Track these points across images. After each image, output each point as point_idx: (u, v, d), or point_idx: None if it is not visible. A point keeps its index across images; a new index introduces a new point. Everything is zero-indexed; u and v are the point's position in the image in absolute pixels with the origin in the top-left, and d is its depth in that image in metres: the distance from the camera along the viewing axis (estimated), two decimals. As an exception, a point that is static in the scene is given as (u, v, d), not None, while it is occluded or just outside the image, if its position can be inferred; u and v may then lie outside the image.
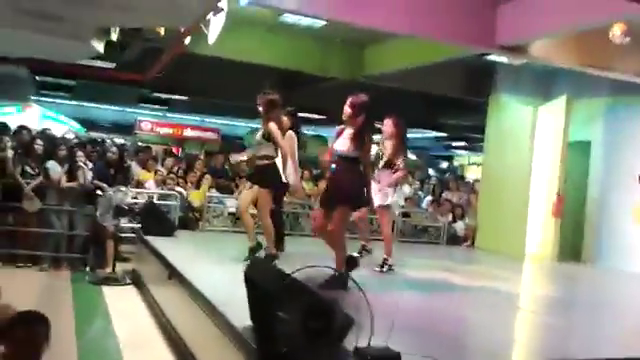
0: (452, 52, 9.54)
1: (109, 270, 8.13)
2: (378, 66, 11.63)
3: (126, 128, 21.42)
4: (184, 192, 9.83)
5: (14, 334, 3.02)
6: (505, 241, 10.15)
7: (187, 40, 9.25)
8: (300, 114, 11.19)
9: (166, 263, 6.17)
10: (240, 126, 21.29)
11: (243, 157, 7.24)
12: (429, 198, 12.51)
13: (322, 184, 9.83)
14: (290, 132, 6.82)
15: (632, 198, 9.71)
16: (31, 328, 3.06)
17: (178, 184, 10.05)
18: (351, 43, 11.71)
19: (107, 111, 21.23)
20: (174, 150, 17.46)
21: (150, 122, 21.15)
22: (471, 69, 11.80)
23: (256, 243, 6.50)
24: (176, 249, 6.96)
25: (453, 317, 5.09)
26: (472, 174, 19.73)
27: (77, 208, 8.77)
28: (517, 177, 10.39)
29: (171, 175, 10.21)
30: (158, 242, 7.35)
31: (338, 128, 5.50)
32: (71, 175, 8.75)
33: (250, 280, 3.73)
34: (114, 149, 9.76)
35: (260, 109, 6.46)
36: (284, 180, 6.52)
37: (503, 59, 10.30)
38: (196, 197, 9.84)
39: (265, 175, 6.32)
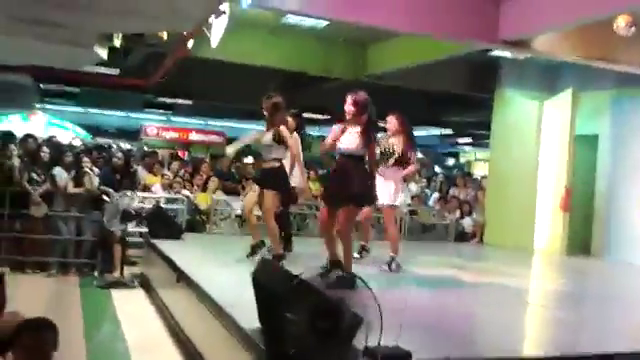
0: (455, 49, 9.52)
1: (117, 274, 8.14)
2: (381, 65, 11.62)
3: (132, 133, 21.51)
4: (191, 195, 9.84)
5: (22, 341, 3.02)
6: (513, 236, 10.11)
7: (190, 44, 9.26)
8: (304, 115, 11.25)
9: (174, 266, 6.17)
10: (245, 129, 21.30)
11: (238, 147, 7.18)
12: (436, 195, 12.47)
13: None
14: (295, 134, 6.84)
15: (640, 190, 9.66)
16: (39, 335, 3.06)
17: (185, 187, 10.07)
18: (354, 43, 11.70)
19: (112, 117, 21.33)
20: (180, 154, 17.50)
21: (156, 127, 21.24)
22: (475, 65, 11.77)
23: (260, 240, 6.54)
24: (184, 252, 6.97)
25: (463, 314, 5.06)
26: (479, 170, 19.69)
27: (84, 214, 8.79)
28: (524, 172, 10.35)
29: (177, 179, 10.22)
30: (166, 245, 7.35)
31: (338, 126, 5.46)
32: (77, 181, 8.78)
33: (257, 281, 3.72)
34: (120, 154, 9.78)
35: (265, 112, 6.45)
36: (292, 183, 6.58)
37: (507, 54, 10.28)
38: (203, 200, 9.85)
39: (273, 178, 6.31)
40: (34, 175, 8.65)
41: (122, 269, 8.20)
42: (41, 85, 15.44)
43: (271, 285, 3.51)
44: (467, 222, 11.23)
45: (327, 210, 5.51)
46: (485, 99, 11.89)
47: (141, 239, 8.60)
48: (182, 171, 10.83)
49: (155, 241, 7.73)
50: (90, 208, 8.81)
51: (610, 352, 3.82)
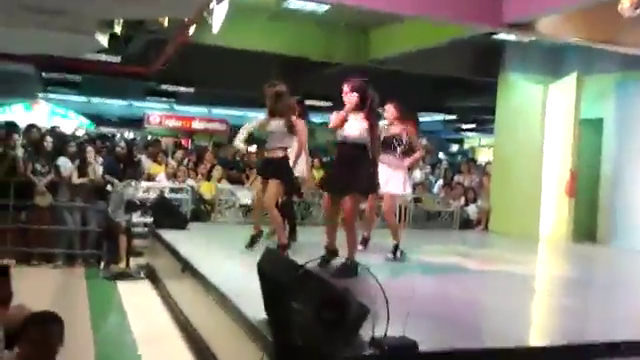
0: (458, 32, 9.43)
1: (123, 265, 8.15)
2: (384, 50, 11.53)
3: (135, 122, 21.47)
4: (195, 185, 9.82)
5: (28, 335, 3.03)
6: (519, 223, 10.08)
7: (191, 30, 9.19)
8: (307, 101, 11.21)
9: (179, 257, 6.17)
10: (248, 116, 21.24)
11: (244, 136, 7.12)
12: (440, 182, 12.42)
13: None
14: (302, 122, 6.84)
15: (646, 175, 9.61)
16: (45, 328, 3.07)
17: (189, 176, 10.05)
18: (355, 27, 11.61)
19: (115, 106, 21.28)
20: (183, 142, 17.48)
21: (158, 115, 21.18)
22: (478, 49, 11.67)
23: (259, 231, 6.54)
24: (189, 242, 6.97)
25: (469, 302, 5.05)
26: (484, 156, 19.62)
27: (89, 204, 8.79)
28: (529, 157, 10.30)
29: (181, 168, 10.20)
30: (171, 235, 7.36)
31: (341, 113, 5.41)
32: (82, 171, 8.77)
33: (263, 271, 3.71)
34: (122, 144, 9.77)
35: (267, 100, 6.41)
36: (296, 173, 6.63)
37: (511, 37, 10.19)
38: (207, 189, 9.84)
39: (277, 167, 6.30)
40: (38, 165, 8.65)
41: (128, 260, 8.22)
42: (43, 74, 15.40)
43: (276, 275, 3.50)
44: (472, 209, 11.18)
45: (330, 198, 5.50)
46: (489, 83, 11.80)
47: (146, 229, 8.60)
48: (186, 160, 10.82)
49: (160, 231, 7.73)
50: (95, 198, 8.82)
51: (617, 340, 3.81)
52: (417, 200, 10.98)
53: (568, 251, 9.37)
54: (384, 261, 6.45)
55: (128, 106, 21.09)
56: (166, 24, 9.11)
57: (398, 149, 6.70)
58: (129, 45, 11.76)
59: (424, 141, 13.99)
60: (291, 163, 6.52)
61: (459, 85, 14.74)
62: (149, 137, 17.56)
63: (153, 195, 9.06)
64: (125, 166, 9.18)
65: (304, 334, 3.03)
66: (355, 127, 5.35)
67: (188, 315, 5.52)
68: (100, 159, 9.28)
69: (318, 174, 10.24)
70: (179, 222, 8.17)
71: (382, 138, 6.33)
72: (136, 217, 8.58)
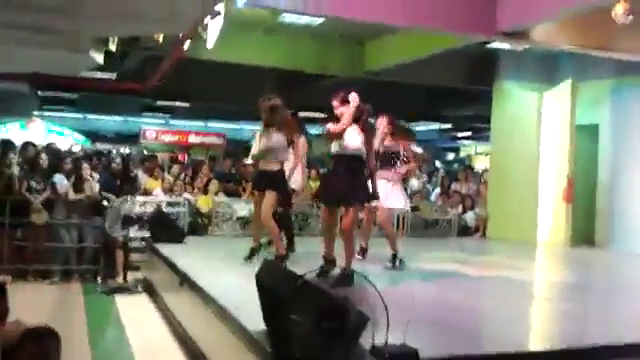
0: (453, 42, 9.49)
1: (120, 280, 8.12)
2: (379, 61, 11.58)
3: (131, 138, 21.49)
4: (192, 198, 9.81)
5: (25, 350, 3.00)
6: (517, 229, 10.08)
7: (186, 45, 9.23)
8: (303, 114, 11.23)
9: (177, 270, 6.14)
10: (245, 129, 21.29)
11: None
12: (438, 190, 12.43)
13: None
14: (303, 139, 7.03)
15: (643, 179, 9.63)
16: (42, 343, 3.04)
17: (185, 190, 10.04)
18: (350, 39, 11.67)
19: (111, 122, 21.32)
20: (180, 157, 17.47)
21: (155, 130, 21.21)
22: (473, 58, 11.73)
23: (258, 244, 6.55)
24: (186, 255, 6.94)
25: (468, 308, 5.04)
26: (480, 164, 19.65)
27: (86, 220, 8.76)
28: (525, 164, 10.32)
29: (178, 182, 10.19)
30: (168, 249, 7.33)
31: (341, 124, 5.43)
32: (77, 187, 8.75)
33: (261, 283, 3.70)
34: (118, 159, 9.75)
35: (262, 114, 6.43)
36: (291, 184, 6.76)
37: (505, 46, 10.23)
38: (204, 203, 9.82)
39: (273, 179, 6.33)
40: (33, 183, 8.61)
41: (125, 274, 8.19)
42: (39, 92, 15.43)
43: (275, 286, 3.49)
44: (470, 216, 11.19)
45: (328, 209, 5.54)
46: (484, 92, 11.85)
47: (143, 244, 8.57)
48: (182, 174, 10.80)
49: (157, 245, 7.71)
50: (91, 214, 8.79)
51: (618, 343, 3.80)
52: (415, 208, 10.97)
53: (566, 256, 9.37)
54: (383, 270, 6.44)
55: (124, 122, 21.13)
56: (161, 40, 9.15)
57: (398, 163, 6.74)
58: (124, 62, 11.79)
59: (420, 150, 14.00)
60: (287, 175, 6.56)
61: (454, 94, 14.79)
62: (145, 152, 17.55)
63: (150, 209, 9.03)
64: (121, 182, 9.16)
65: (303, 345, 3.02)
66: (353, 139, 5.40)
67: (187, 328, 5.49)
68: (96, 175, 9.26)
69: (314, 185, 10.24)
70: (176, 236, 8.13)
71: (380, 152, 6.40)
72: (133, 232, 8.56)
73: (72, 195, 8.69)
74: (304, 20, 10.18)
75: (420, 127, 20.47)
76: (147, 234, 8.43)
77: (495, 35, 8.24)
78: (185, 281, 5.67)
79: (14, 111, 17.59)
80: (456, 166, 18.94)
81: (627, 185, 9.82)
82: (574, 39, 8.31)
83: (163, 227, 8.24)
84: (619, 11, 6.89)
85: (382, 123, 6.81)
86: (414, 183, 11.83)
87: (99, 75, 11.97)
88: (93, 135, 21.26)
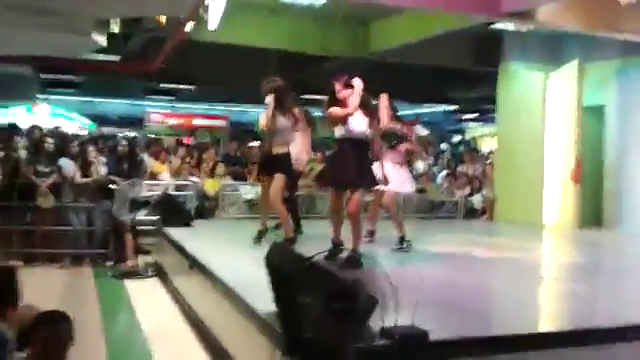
0: (457, 22, 9.41)
1: (131, 263, 8.16)
2: (383, 42, 11.49)
3: (136, 121, 21.47)
4: (198, 181, 9.83)
5: (38, 335, 3.03)
6: (524, 211, 10.08)
7: (188, 27, 9.17)
8: (307, 95, 11.21)
9: (186, 253, 6.18)
10: (249, 112, 21.25)
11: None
12: (444, 173, 12.41)
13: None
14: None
15: (650, 159, 9.59)
16: (54, 328, 3.07)
17: (192, 174, 10.06)
18: (354, 20, 11.58)
19: (116, 105, 21.29)
20: (185, 140, 17.47)
21: (159, 114, 21.18)
22: (478, 39, 11.63)
23: (265, 227, 6.58)
24: (195, 239, 6.98)
25: (476, 290, 5.06)
26: (486, 146, 19.59)
27: (94, 204, 8.79)
28: (532, 145, 10.29)
29: (184, 165, 10.22)
30: (176, 233, 7.37)
31: (342, 111, 5.42)
32: (84, 171, 8.78)
33: (271, 265, 3.72)
34: (124, 142, 9.76)
35: (267, 97, 6.41)
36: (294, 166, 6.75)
37: (510, 26, 10.15)
38: (210, 186, 9.85)
39: (282, 162, 6.35)
40: (40, 167, 8.64)
41: (135, 258, 8.23)
42: (41, 75, 15.38)
43: (284, 268, 3.50)
44: (476, 198, 11.17)
45: (335, 193, 5.57)
46: (489, 74, 11.77)
47: (153, 227, 8.60)
48: (188, 157, 10.82)
49: (166, 229, 7.75)
50: (100, 198, 8.81)
51: (627, 324, 3.81)
52: (421, 191, 10.97)
53: (574, 237, 9.37)
54: (391, 252, 6.46)
55: (129, 105, 21.09)
56: (163, 22, 9.10)
57: (401, 145, 6.73)
58: (128, 44, 11.74)
59: (426, 132, 13.97)
60: (293, 157, 6.58)
61: (459, 76, 14.70)
62: (150, 136, 17.56)
63: (157, 193, 9.06)
64: (128, 165, 9.18)
65: (314, 326, 3.04)
66: (359, 123, 5.42)
67: (197, 310, 5.54)
68: (102, 159, 9.28)
69: (319, 168, 10.23)
70: (184, 219, 8.18)
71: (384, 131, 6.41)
72: (141, 215, 8.59)
73: (79, 178, 8.73)
74: (307, 1, 10.11)
75: (426, 109, 20.44)
76: (155, 218, 8.47)
77: (499, 16, 8.16)
78: (195, 264, 5.70)
79: (17, 94, 17.54)
80: (462, 148, 18.88)
81: (634, 166, 9.78)
82: (579, 20, 8.23)
83: (171, 210, 8.28)
84: (624, -8, 6.84)
85: (384, 102, 6.77)
86: (420, 165, 11.82)
87: (102, 57, 11.93)
88: (98, 118, 21.25)
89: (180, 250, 6.51)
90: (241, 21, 10.28)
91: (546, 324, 4.28)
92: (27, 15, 6.58)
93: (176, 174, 9.92)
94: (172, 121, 21.42)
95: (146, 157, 10.35)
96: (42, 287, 6.11)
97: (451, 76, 14.97)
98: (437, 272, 5.79)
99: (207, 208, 9.62)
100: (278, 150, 6.37)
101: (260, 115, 6.72)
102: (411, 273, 5.54)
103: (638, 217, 9.45)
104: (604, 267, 6.93)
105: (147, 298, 6.83)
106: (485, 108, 18.18)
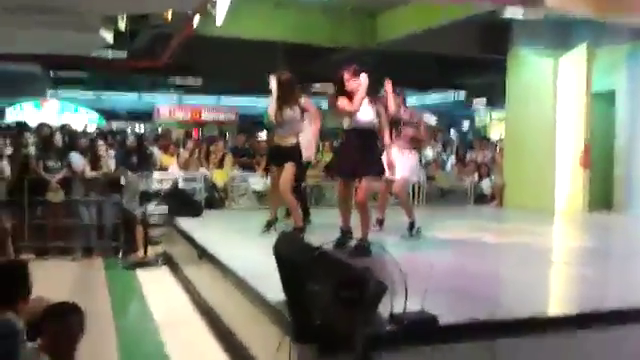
0: (463, 11, 9.36)
1: (141, 254, 8.21)
2: (391, 32, 11.48)
3: (145, 116, 21.56)
4: (207, 173, 9.87)
5: (48, 327, 3.05)
6: (533, 197, 10.03)
7: (195, 22, 9.18)
8: (316, 85, 11.18)
9: (195, 244, 6.21)
10: (257, 104, 21.25)
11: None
12: (453, 159, 12.38)
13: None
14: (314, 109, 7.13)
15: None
16: (65, 319, 3.08)
17: (201, 166, 10.10)
18: (362, 12, 11.55)
19: (125, 100, 21.38)
20: (194, 133, 17.53)
21: (168, 107, 21.24)
22: (487, 26, 11.52)
23: (275, 217, 6.60)
24: (204, 229, 7.01)
25: (487, 275, 5.04)
26: (495, 132, 19.50)
27: (104, 197, 8.85)
28: (541, 131, 10.22)
29: (193, 158, 10.25)
30: (186, 223, 7.42)
31: (349, 106, 5.41)
32: (94, 165, 8.83)
33: (279, 254, 3.73)
34: (132, 137, 9.82)
35: (274, 88, 6.40)
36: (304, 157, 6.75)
37: (519, 14, 10.06)
38: (219, 177, 9.88)
39: (292, 153, 6.36)
40: (50, 162, 8.70)
41: (146, 249, 8.28)
42: (50, 72, 15.49)
43: (293, 257, 3.51)
44: (486, 184, 11.15)
45: (343, 182, 5.58)
46: (498, 60, 11.70)
47: (162, 218, 8.64)
48: (197, 150, 10.86)
49: (176, 220, 7.78)
50: (110, 191, 8.87)
51: (637, 307, 3.79)
52: (430, 178, 10.95)
53: (584, 221, 9.32)
54: (400, 239, 6.46)
55: (138, 100, 21.18)
56: (169, 18, 9.11)
57: (409, 130, 6.71)
58: (135, 40, 11.78)
59: (433, 120, 13.92)
60: (303, 147, 6.58)
61: (468, 63, 14.62)
62: (159, 129, 17.64)
63: (167, 185, 9.10)
64: (138, 159, 9.22)
65: (323, 313, 3.05)
66: (366, 113, 5.43)
67: (207, 299, 5.57)
68: (112, 152, 9.33)
69: (328, 157, 10.23)
70: (194, 210, 8.22)
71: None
72: (151, 207, 8.64)
73: (89, 172, 8.78)
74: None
75: (435, 96, 20.36)
76: (165, 209, 8.51)
77: (508, 2, 8.10)
78: (204, 254, 5.73)
79: (27, 92, 17.68)
80: (471, 135, 18.82)
81: (644, 150, 9.71)
82: (588, 5, 8.14)
83: (180, 202, 8.34)
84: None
85: (389, 89, 6.72)
86: (429, 153, 11.79)
87: (110, 54, 11.99)
88: (107, 113, 21.35)
89: (190, 240, 6.54)
90: (247, 14, 10.29)
91: (557, 307, 4.27)
92: (36, 14, 6.61)
93: (185, 166, 9.96)
94: (181, 114, 21.49)
95: (155, 150, 10.41)
96: (54, 279, 6.16)
97: (460, 63, 14.89)
98: (447, 258, 5.79)
99: (216, 199, 9.66)
100: (287, 142, 6.37)
101: (269, 106, 6.72)
102: (421, 260, 5.54)
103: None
104: (614, 251, 6.90)
105: (158, 287, 6.88)
106: (494, 94, 18.08)
